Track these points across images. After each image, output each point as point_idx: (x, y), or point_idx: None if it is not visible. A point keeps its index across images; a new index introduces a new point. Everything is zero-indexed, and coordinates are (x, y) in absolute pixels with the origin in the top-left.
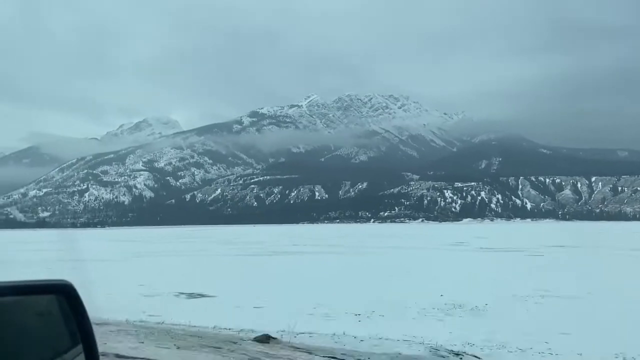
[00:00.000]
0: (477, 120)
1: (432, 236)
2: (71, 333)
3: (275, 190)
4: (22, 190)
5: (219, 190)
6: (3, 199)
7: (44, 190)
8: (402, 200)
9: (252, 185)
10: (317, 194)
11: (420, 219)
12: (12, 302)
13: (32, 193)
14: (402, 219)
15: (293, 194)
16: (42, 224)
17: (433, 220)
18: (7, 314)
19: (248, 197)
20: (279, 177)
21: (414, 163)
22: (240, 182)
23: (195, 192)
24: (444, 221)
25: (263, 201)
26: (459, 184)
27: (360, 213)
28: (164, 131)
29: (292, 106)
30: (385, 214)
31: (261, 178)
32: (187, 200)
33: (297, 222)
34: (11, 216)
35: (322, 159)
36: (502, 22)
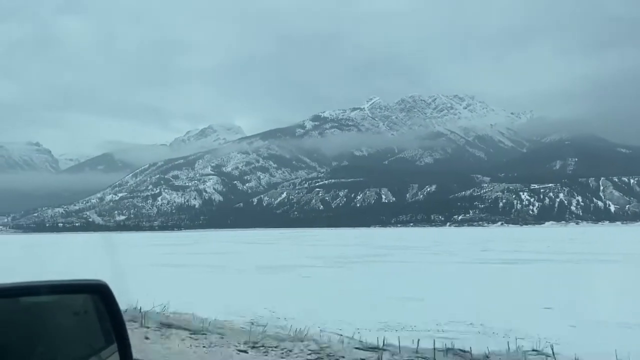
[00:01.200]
0: (547, 120)
1: (584, 241)
2: (106, 332)
3: (341, 193)
4: (99, 195)
5: (284, 194)
6: (82, 203)
7: (120, 194)
8: (476, 203)
9: (317, 189)
10: (383, 197)
11: (499, 222)
12: (50, 301)
13: (108, 197)
14: (480, 223)
15: (359, 197)
16: (119, 227)
17: (513, 224)
18: (45, 312)
19: (314, 201)
20: (343, 180)
21: (483, 165)
22: (305, 185)
23: (262, 196)
24: (526, 224)
25: (329, 204)
26: (535, 186)
27: (432, 216)
28: (228, 137)
29: (354, 109)
30: (459, 217)
31: (326, 181)
32: (255, 203)
33: (368, 226)
34: (90, 219)
35: (386, 162)
36: (570, 16)
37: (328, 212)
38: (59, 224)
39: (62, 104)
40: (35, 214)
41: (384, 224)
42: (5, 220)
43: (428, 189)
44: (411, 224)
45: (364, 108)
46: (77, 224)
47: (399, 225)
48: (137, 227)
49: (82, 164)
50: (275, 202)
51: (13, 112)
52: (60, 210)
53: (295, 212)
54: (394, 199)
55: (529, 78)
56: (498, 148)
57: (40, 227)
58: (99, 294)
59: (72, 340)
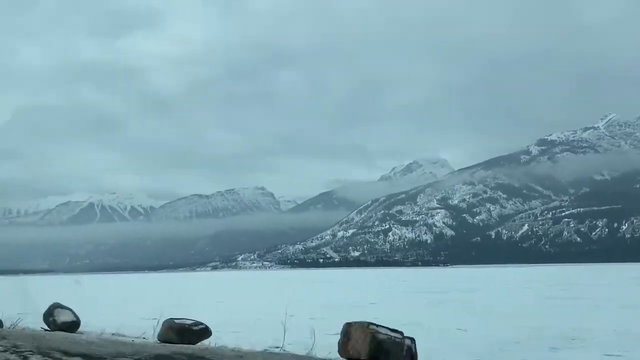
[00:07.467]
0: None
1: None
2: None
3: (599, 223)
4: (329, 232)
5: (525, 226)
6: (317, 240)
7: (350, 231)
8: None
9: (566, 219)
10: None
11: None
12: None
13: (339, 234)
14: None
15: (624, 227)
16: (370, 262)
17: None
18: None
19: (566, 233)
20: (595, 208)
21: None
22: (549, 216)
23: (499, 229)
24: None
25: (587, 236)
26: None
27: None
28: (435, 170)
29: (586, 129)
30: None
31: (574, 210)
32: (493, 237)
33: None
34: (328, 255)
35: (638, 186)
36: None
37: (590, 245)
38: (320, 260)
39: (279, 150)
40: (279, 250)
41: None
42: (252, 256)
43: None
44: None
45: (598, 127)
46: (336, 259)
47: None
48: (395, 263)
49: (305, 204)
50: (517, 236)
51: (242, 160)
52: (300, 247)
53: (547, 246)
54: None
55: None
56: None
57: (302, 262)
58: None
59: None
